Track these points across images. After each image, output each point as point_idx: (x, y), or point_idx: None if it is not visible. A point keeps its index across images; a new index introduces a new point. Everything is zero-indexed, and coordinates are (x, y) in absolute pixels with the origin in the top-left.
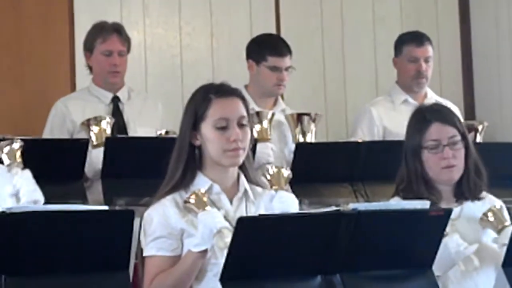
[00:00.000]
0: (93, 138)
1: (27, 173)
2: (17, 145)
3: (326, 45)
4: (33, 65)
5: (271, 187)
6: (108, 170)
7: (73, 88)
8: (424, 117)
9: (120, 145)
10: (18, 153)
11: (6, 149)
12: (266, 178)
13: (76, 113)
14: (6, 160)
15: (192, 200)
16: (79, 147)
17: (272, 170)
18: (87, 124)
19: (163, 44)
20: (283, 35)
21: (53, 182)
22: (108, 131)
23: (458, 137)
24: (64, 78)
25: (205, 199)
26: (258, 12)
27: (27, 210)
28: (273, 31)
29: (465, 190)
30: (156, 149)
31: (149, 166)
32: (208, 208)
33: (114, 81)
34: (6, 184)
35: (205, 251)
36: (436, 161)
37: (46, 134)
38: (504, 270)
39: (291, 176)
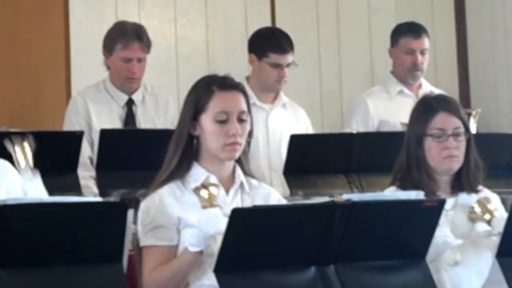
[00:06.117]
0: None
1: (38, 179)
2: (27, 145)
3: (321, 36)
4: (29, 58)
5: None
6: (103, 162)
7: (68, 81)
8: (431, 105)
9: (115, 137)
10: (30, 154)
11: (17, 149)
12: None
13: (93, 115)
14: (21, 162)
15: (204, 194)
16: (74, 139)
17: None
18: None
19: (158, 36)
20: (278, 26)
21: (47, 174)
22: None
23: (462, 129)
24: (59, 71)
25: (215, 197)
26: (253, 4)
27: (22, 202)
28: (268, 22)
29: (464, 182)
30: (152, 141)
31: (144, 158)
32: (210, 209)
33: (131, 87)
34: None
35: (201, 251)
36: (438, 150)
37: (67, 127)
38: (498, 260)
39: None
